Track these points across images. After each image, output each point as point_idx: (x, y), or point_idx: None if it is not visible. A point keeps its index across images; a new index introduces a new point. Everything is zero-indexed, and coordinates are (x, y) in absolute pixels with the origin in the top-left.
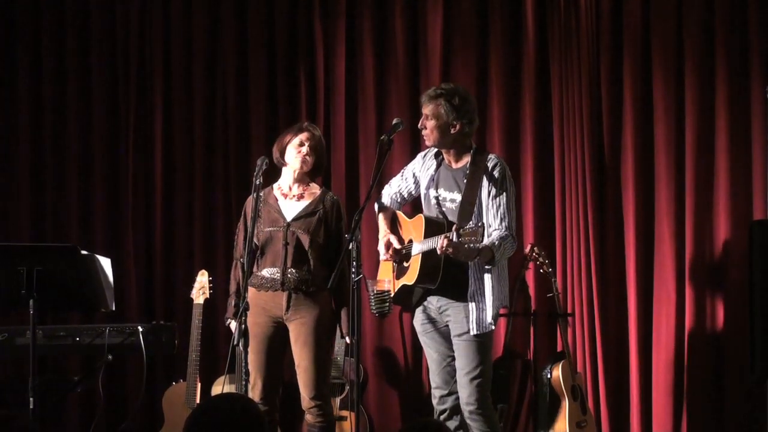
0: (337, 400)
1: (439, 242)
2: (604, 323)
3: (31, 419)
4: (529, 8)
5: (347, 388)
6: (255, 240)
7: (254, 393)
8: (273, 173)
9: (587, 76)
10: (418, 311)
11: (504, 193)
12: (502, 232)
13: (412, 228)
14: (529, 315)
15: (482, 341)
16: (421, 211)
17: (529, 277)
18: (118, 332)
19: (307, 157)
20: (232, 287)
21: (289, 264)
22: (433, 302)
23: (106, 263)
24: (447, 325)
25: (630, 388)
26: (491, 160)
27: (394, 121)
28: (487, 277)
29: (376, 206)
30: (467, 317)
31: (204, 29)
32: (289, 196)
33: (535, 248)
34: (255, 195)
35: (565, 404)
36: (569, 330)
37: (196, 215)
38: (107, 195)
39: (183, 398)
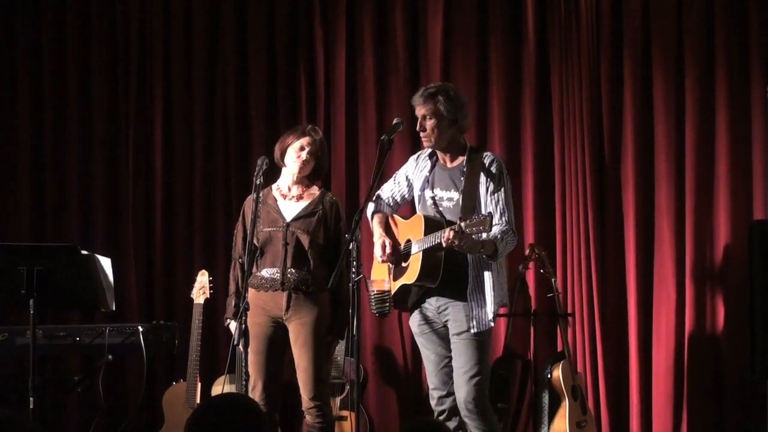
0: (338, 400)
1: (444, 234)
2: (604, 323)
3: (31, 419)
4: (530, 8)
5: (347, 388)
6: (254, 240)
7: (254, 393)
8: (273, 173)
9: (587, 76)
10: (415, 313)
11: (502, 189)
12: (503, 227)
13: (410, 228)
14: (529, 315)
15: (481, 340)
16: (414, 213)
17: (530, 277)
18: (119, 332)
19: (306, 163)
20: (232, 287)
21: (288, 264)
22: (432, 303)
23: (106, 263)
24: (445, 326)
25: (630, 388)
26: (487, 157)
27: (395, 121)
28: (487, 275)
29: (368, 211)
30: (467, 315)
31: (204, 29)
32: (288, 197)
33: (536, 248)
34: (255, 195)
35: (565, 404)
36: (569, 330)
37: (196, 215)
38: (107, 195)
39: (183, 398)
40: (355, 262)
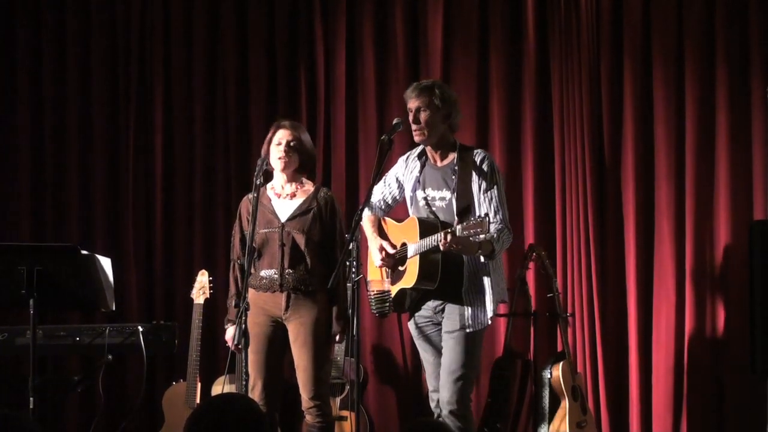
0: (337, 400)
1: (441, 239)
2: (604, 323)
3: (31, 419)
4: (530, 7)
5: (347, 388)
6: (253, 242)
7: (254, 393)
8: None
9: (587, 76)
10: (414, 316)
11: (495, 186)
12: (498, 225)
13: (404, 231)
14: (529, 315)
15: (472, 340)
16: (407, 215)
17: (530, 277)
18: (119, 332)
19: (288, 157)
20: (232, 290)
21: (286, 265)
22: (429, 304)
23: (106, 263)
24: (440, 324)
25: (630, 388)
26: (478, 155)
27: (395, 121)
28: (483, 274)
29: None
30: (462, 315)
31: (204, 29)
32: (282, 196)
33: (536, 248)
34: (255, 195)
35: (566, 404)
36: (569, 330)
37: (196, 215)
38: (107, 195)
39: (183, 398)
40: (355, 262)
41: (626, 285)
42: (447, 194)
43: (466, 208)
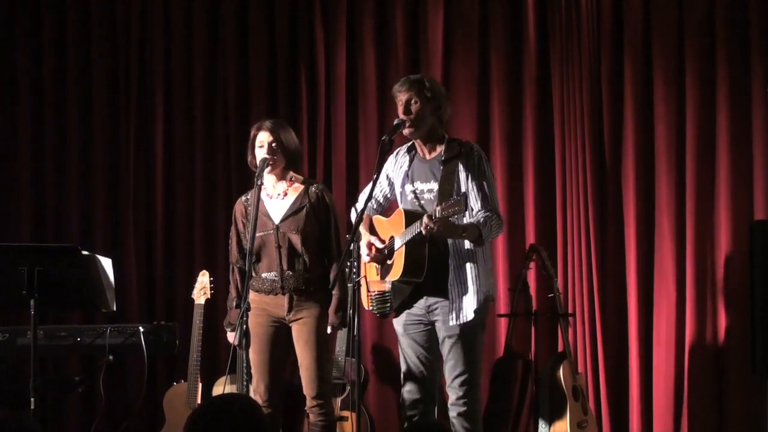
0: (338, 400)
1: (423, 222)
2: (604, 323)
3: (31, 419)
4: (530, 7)
5: (348, 388)
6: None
7: (257, 393)
8: None
9: (588, 75)
10: (403, 314)
11: (483, 175)
12: (486, 212)
13: (391, 225)
14: (530, 315)
15: (470, 340)
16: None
17: (530, 277)
18: (119, 332)
19: (270, 159)
20: (232, 293)
21: (285, 267)
22: (421, 303)
23: (106, 263)
24: (432, 324)
25: (630, 388)
26: (465, 146)
27: (396, 122)
28: (469, 266)
29: (352, 217)
30: (452, 314)
31: (204, 29)
32: (274, 196)
33: (537, 248)
34: (256, 195)
35: (566, 405)
36: (570, 330)
37: (196, 215)
38: (107, 195)
39: (184, 398)
40: (355, 262)
41: (627, 285)
42: (435, 186)
43: (448, 194)
